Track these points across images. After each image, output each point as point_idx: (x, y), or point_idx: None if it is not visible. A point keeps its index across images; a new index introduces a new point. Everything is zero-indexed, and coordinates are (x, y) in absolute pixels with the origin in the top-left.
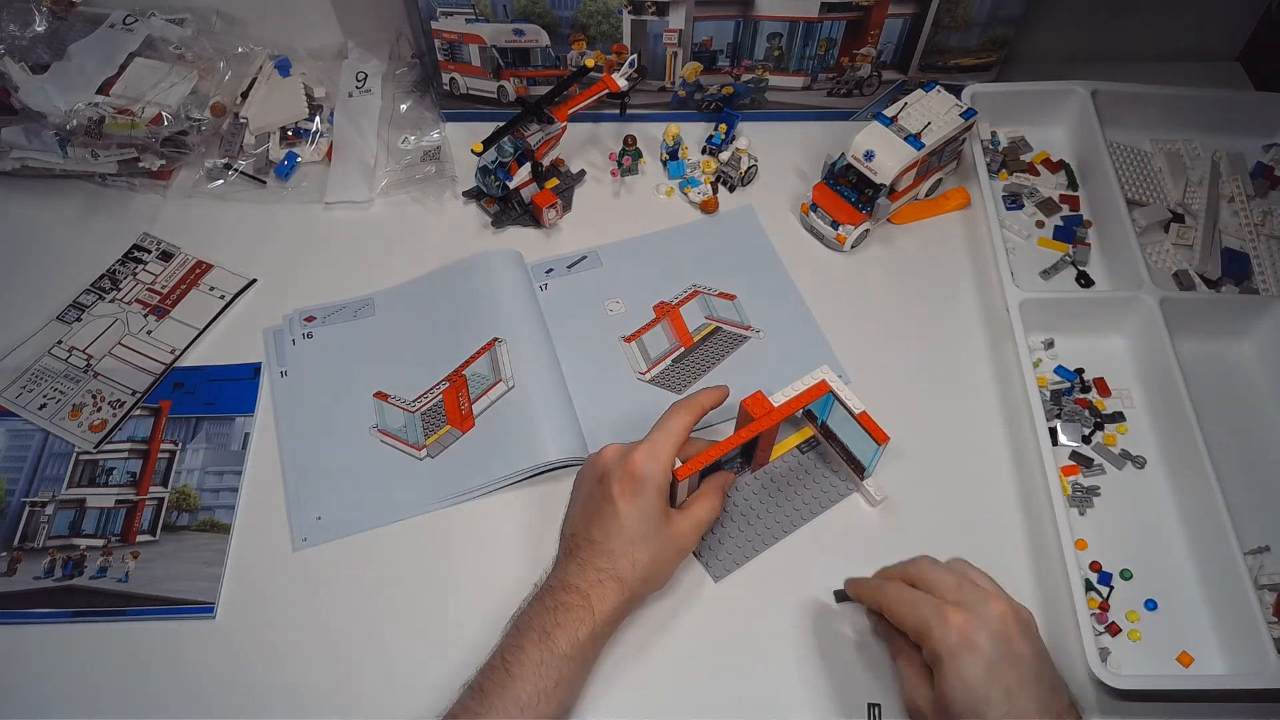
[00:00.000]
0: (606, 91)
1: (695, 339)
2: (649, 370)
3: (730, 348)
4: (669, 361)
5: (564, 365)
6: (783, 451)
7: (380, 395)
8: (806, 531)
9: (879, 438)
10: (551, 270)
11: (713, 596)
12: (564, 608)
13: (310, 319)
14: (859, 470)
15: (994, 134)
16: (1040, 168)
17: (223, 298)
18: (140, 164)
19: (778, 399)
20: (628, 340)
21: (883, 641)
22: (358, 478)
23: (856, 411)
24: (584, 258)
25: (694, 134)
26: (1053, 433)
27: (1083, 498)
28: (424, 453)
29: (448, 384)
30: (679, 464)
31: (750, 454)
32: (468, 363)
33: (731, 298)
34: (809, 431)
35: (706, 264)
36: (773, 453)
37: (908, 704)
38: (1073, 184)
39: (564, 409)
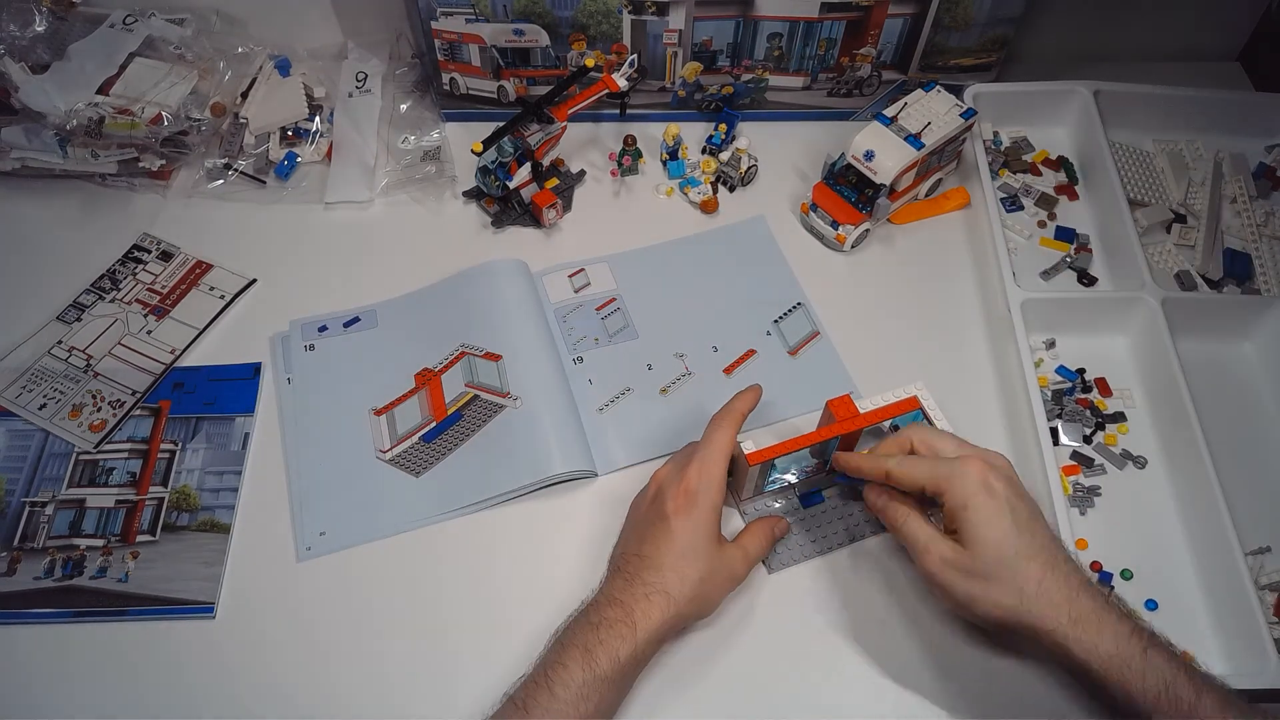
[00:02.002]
0: (606, 91)
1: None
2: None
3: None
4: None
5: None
6: None
7: (378, 412)
8: (870, 544)
9: None
10: (325, 329)
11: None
12: (607, 624)
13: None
14: None
15: (996, 134)
16: (1042, 167)
17: (223, 298)
18: (140, 164)
19: (864, 406)
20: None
21: (883, 514)
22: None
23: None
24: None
25: (694, 134)
26: (1054, 432)
27: (1084, 498)
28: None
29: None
30: (753, 448)
31: (827, 457)
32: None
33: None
34: None
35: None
36: None
37: (926, 567)
38: (1072, 178)
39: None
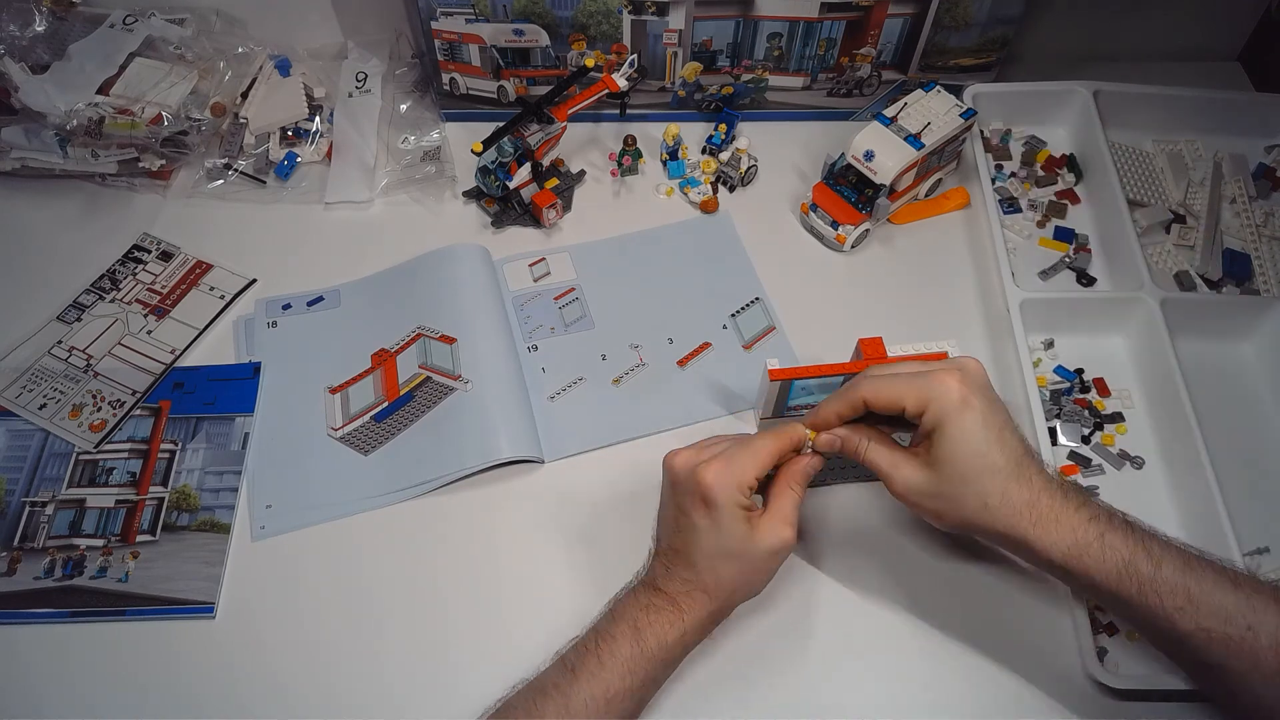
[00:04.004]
0: (606, 91)
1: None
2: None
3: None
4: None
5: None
6: None
7: (334, 390)
8: (869, 488)
9: None
10: (289, 307)
11: None
12: (654, 609)
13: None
14: None
15: (1008, 131)
16: (1060, 173)
17: (223, 298)
18: (140, 164)
19: (894, 351)
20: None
21: (842, 448)
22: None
23: None
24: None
25: (694, 134)
26: (1052, 433)
27: None
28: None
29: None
30: (777, 365)
31: None
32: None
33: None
34: None
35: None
36: None
37: (893, 490)
38: (1077, 176)
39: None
